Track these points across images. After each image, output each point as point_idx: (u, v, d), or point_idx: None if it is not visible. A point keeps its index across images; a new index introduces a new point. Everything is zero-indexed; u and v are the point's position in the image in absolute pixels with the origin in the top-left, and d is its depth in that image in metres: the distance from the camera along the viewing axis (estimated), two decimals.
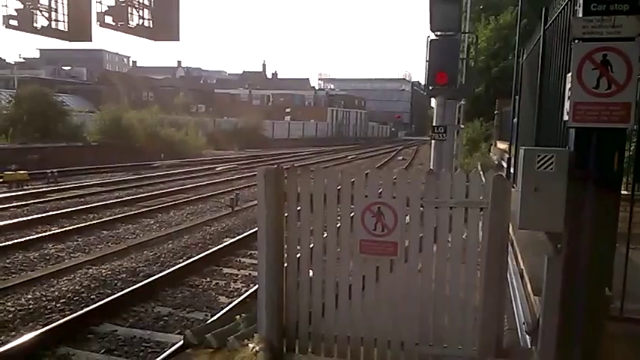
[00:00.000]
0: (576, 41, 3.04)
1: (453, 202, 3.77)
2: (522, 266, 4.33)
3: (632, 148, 4.81)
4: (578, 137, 3.07)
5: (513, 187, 3.94)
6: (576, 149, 3.08)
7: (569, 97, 3.06)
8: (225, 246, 9.59)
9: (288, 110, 67.01)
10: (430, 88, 9.14)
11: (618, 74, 2.93)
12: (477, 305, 3.79)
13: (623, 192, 4.15)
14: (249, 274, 8.10)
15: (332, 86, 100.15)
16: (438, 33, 8.81)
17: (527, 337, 3.82)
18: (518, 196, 3.25)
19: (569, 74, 3.09)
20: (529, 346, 3.79)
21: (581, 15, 3.03)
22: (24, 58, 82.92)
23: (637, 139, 4.52)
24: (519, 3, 12.49)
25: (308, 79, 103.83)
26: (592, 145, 3.00)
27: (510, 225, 3.79)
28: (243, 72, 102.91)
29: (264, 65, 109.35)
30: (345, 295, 4.08)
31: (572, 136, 3.15)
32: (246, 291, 7.20)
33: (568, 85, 3.11)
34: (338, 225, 4.06)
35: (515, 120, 8.62)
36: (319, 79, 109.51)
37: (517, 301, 4.43)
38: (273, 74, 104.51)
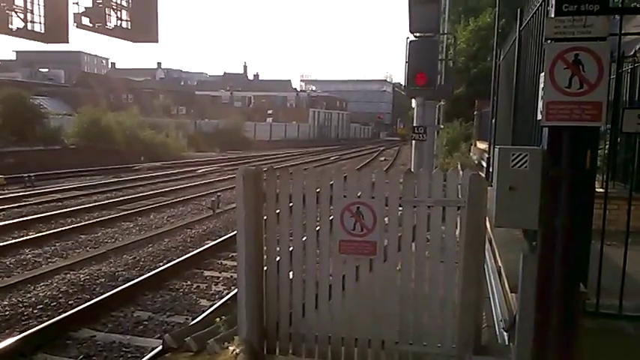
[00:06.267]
0: (549, 41, 3.09)
1: (430, 201, 3.81)
2: (500, 264, 4.38)
3: (606, 146, 4.91)
4: (551, 136, 3.11)
5: (492, 186, 3.98)
6: (549, 148, 3.12)
7: (542, 97, 3.10)
8: (206, 249, 9.52)
9: (269, 112, 66.82)
10: (410, 88, 9.18)
11: (590, 74, 2.97)
12: (455, 303, 3.83)
13: (598, 190, 4.24)
14: (231, 276, 8.05)
15: (314, 88, 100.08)
16: (417, 34, 8.86)
17: (505, 334, 3.86)
18: (494, 194, 3.29)
19: (543, 74, 3.13)
20: (507, 343, 3.83)
21: (553, 15, 3.08)
22: (0, 60, 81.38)
23: (610, 138, 4.63)
24: (497, 4, 12.66)
25: (290, 80, 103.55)
26: (564, 144, 3.04)
27: (489, 223, 3.83)
28: (224, 73, 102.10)
29: (245, 67, 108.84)
30: (326, 295, 4.09)
31: (545, 134, 3.19)
32: (228, 294, 7.15)
33: (541, 85, 3.16)
34: (317, 226, 4.06)
35: (494, 120, 8.72)
36: (301, 81, 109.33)
37: (495, 298, 4.48)
38: (254, 76, 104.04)
